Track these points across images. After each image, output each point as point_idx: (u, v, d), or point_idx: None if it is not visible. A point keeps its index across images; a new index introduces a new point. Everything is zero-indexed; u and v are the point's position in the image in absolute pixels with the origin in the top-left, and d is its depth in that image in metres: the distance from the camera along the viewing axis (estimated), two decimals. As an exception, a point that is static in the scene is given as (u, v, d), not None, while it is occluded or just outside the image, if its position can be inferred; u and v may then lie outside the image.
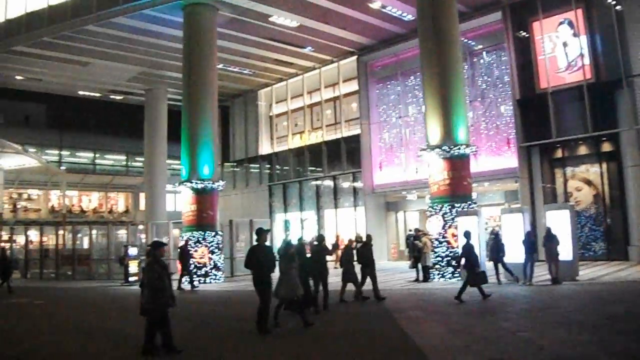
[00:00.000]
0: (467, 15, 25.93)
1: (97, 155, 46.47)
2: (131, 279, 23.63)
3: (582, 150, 24.38)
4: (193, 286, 21.19)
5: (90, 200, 43.93)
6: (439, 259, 19.64)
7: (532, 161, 24.87)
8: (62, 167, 41.60)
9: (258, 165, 37.96)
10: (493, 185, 27.42)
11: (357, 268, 15.27)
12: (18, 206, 39.14)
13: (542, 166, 24.91)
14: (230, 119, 40.11)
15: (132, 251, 24.47)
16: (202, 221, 23.73)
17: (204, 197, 23.94)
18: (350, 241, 16.37)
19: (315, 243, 14.76)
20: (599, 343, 8.21)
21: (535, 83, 24.86)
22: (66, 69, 31.40)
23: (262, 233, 10.79)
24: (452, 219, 19.46)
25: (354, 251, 15.84)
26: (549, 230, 17.18)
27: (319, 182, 33.74)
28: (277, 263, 11.01)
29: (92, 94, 37.40)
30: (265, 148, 37.33)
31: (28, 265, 30.58)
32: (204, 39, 24.56)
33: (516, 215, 18.38)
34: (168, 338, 8.99)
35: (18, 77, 32.92)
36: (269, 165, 37.13)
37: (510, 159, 25.48)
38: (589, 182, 24.04)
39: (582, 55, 23.69)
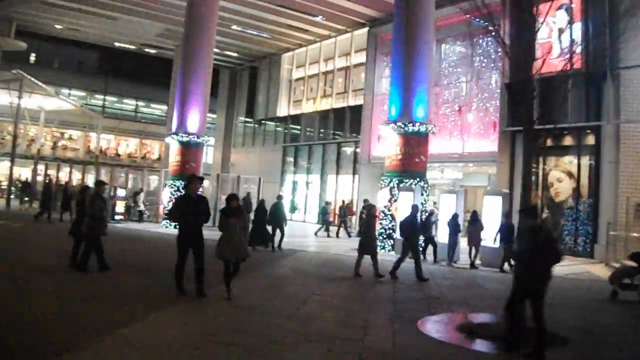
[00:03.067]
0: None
1: (138, 104, 48.86)
2: (116, 217, 25.51)
3: (567, 141, 23.78)
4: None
5: (127, 145, 46.43)
6: (382, 230, 20.13)
7: (515, 146, 24.54)
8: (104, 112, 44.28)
9: (274, 126, 39.28)
10: (480, 168, 27.26)
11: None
12: (59, 144, 42.08)
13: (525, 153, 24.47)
14: (257, 79, 41.46)
15: (120, 192, 26.35)
16: (185, 172, 25.08)
17: (188, 150, 25.32)
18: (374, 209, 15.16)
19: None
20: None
21: (526, 68, 24.28)
22: (98, 21, 33.44)
23: (192, 181, 9.72)
24: (398, 193, 19.86)
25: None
26: (474, 213, 17.35)
27: (324, 148, 34.53)
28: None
29: (127, 45, 39.44)
30: (282, 110, 38.51)
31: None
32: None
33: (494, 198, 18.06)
34: (101, 257, 11.38)
35: (57, 26, 35.34)
36: (284, 127, 38.33)
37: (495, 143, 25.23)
38: (570, 174, 23.53)
39: (575, 43, 22.99)
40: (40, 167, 35.51)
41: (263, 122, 40.77)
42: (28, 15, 33.29)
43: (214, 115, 44.92)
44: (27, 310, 7.69)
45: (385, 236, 20.04)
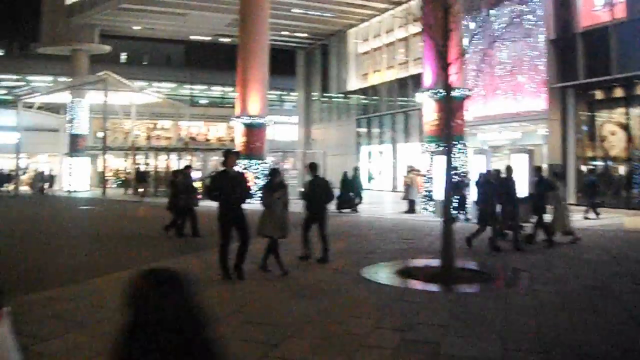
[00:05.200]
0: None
1: (225, 89, 51.85)
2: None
3: (618, 92, 23.46)
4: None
5: (217, 130, 49.56)
6: (425, 193, 21.22)
7: (566, 102, 24.52)
8: (191, 101, 47.60)
9: (346, 100, 40.83)
10: (537, 126, 27.28)
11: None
12: (152, 135, 45.88)
13: (577, 108, 24.44)
14: (328, 56, 43.04)
15: (195, 174, 28.94)
16: (250, 151, 27.26)
17: (251, 131, 27.39)
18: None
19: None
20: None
21: (570, 22, 24.18)
22: (169, 19, 36.26)
23: (228, 156, 9.21)
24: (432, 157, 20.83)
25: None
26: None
27: (393, 118, 35.61)
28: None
29: (202, 37, 42.20)
30: (352, 84, 39.92)
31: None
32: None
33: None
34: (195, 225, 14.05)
35: (135, 27, 38.65)
36: (356, 100, 39.80)
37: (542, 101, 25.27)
38: (624, 127, 23.22)
39: (617, -10, 22.60)
40: (138, 157, 39.02)
41: (336, 97, 42.44)
42: (108, 20, 36.74)
43: (293, 96, 47.15)
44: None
45: (428, 198, 21.09)
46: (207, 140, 48.30)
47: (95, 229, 17.37)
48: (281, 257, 9.36)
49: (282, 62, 48.25)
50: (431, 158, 20.96)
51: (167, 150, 40.20)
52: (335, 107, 42.91)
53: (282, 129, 50.83)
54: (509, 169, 13.30)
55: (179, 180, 15.23)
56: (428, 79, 21.54)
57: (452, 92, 20.28)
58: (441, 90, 20.86)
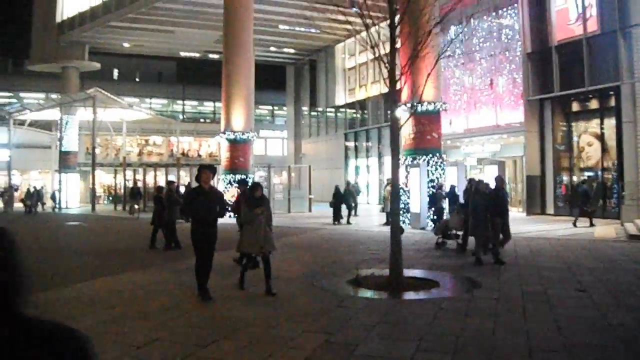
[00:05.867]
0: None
1: (216, 105, 52.37)
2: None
3: (593, 104, 23.91)
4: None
5: (209, 146, 49.99)
6: (402, 205, 21.55)
7: (544, 114, 24.98)
8: (182, 117, 48.13)
9: (334, 114, 41.39)
10: (517, 138, 27.69)
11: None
12: (144, 151, 46.36)
13: (554, 120, 24.89)
14: (316, 71, 43.70)
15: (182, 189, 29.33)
16: (235, 166, 27.64)
17: (236, 146, 27.77)
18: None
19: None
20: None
21: (546, 36, 24.71)
22: (158, 36, 36.89)
23: (202, 171, 8.68)
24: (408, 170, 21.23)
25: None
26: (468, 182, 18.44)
27: (380, 132, 36.06)
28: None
29: (191, 54, 42.84)
30: (340, 98, 40.50)
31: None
32: (240, 3, 27.84)
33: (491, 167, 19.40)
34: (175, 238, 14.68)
35: (125, 44, 39.26)
36: (343, 115, 40.37)
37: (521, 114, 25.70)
38: (599, 138, 23.64)
39: (590, 5, 23.11)
40: (129, 173, 39.39)
41: (324, 111, 43.02)
42: (97, 38, 37.47)
43: (285, 111, 47.83)
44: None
45: (404, 210, 21.42)
46: (199, 155, 48.74)
47: (77, 244, 17.68)
48: (265, 277, 8.84)
49: (273, 78, 48.91)
50: (407, 171, 21.36)
51: (159, 166, 40.57)
52: (324, 121, 43.54)
53: (274, 144, 51.43)
54: (498, 180, 13.04)
55: (163, 195, 15.77)
56: (405, 94, 21.96)
57: (428, 106, 21.28)
58: (415, 103, 21.41)
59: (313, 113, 45.46)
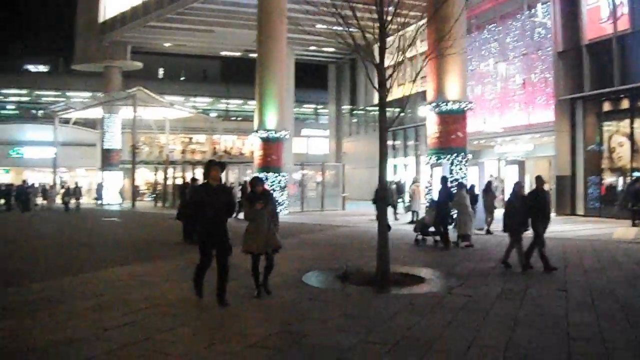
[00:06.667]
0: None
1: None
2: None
3: (624, 104, 23.37)
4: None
5: (252, 144, 50.75)
6: (426, 204, 21.65)
7: (575, 114, 24.57)
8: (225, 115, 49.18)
9: (374, 113, 41.68)
10: (550, 138, 27.30)
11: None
12: (187, 149, 47.61)
13: (585, 120, 24.44)
14: (356, 70, 44.04)
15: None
16: (267, 164, 28.17)
17: (268, 145, 28.29)
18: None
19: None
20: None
21: (577, 35, 24.27)
22: (198, 36, 37.84)
23: (211, 167, 8.10)
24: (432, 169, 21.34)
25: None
26: (488, 183, 18.43)
27: (417, 130, 36.07)
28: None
29: (232, 53, 43.68)
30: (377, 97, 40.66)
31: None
32: (274, 5, 28.31)
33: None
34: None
35: (166, 44, 40.43)
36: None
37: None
38: (631, 138, 23.09)
39: (621, 4, 22.63)
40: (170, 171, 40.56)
41: (364, 109, 43.31)
42: (138, 38, 38.68)
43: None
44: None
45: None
46: (242, 154, 49.64)
47: (98, 238, 18.44)
48: (264, 276, 8.62)
49: (317, 77, 49.40)
50: (431, 170, 21.45)
51: (201, 164, 41.49)
52: (364, 120, 43.78)
53: (317, 143, 51.88)
54: (538, 179, 11.75)
55: (188, 192, 16.58)
56: (430, 93, 22.06)
57: (450, 106, 21.30)
58: (441, 103, 21.48)
59: (354, 111, 45.77)
